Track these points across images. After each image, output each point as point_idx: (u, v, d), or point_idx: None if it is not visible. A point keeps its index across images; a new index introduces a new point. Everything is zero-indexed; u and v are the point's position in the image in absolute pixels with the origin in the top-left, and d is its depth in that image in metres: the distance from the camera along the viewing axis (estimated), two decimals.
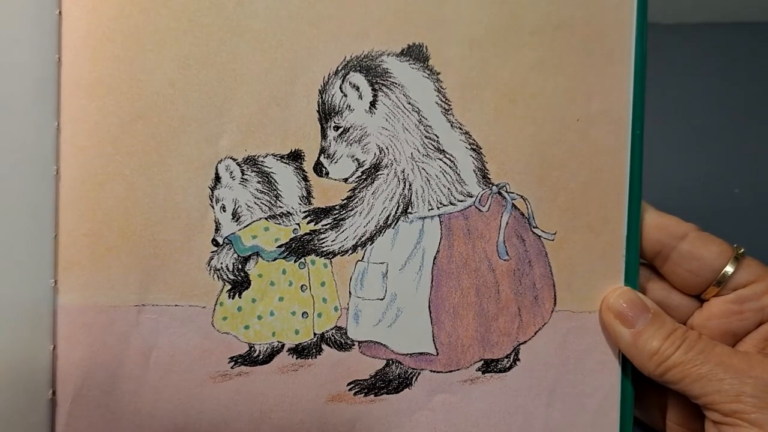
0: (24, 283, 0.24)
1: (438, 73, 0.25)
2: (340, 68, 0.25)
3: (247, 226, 0.26)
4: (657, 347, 0.24)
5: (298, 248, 0.26)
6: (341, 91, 0.25)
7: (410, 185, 0.26)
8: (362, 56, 0.25)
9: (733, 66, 0.44)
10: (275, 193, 0.26)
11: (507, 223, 0.26)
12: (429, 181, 0.26)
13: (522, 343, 0.26)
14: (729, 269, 0.25)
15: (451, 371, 0.26)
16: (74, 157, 0.25)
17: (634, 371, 0.26)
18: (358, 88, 0.25)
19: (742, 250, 0.26)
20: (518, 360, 0.26)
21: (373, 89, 0.25)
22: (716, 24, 0.44)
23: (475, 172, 0.26)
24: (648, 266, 0.27)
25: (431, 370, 0.26)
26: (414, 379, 0.26)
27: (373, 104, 0.25)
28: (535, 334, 0.26)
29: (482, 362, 0.26)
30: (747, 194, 0.41)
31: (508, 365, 0.26)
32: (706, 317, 0.26)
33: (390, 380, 0.26)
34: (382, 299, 0.26)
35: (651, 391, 0.27)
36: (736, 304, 0.25)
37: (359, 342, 0.26)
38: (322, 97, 0.25)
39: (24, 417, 0.25)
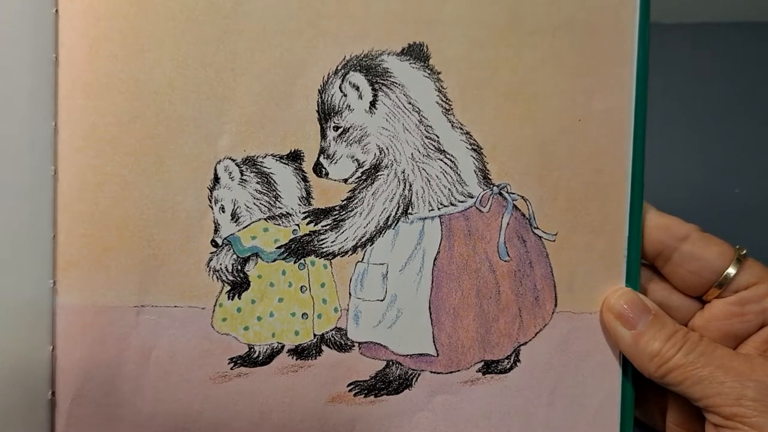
0: (23, 284, 0.24)
1: (438, 73, 0.25)
2: (339, 68, 0.25)
3: (247, 226, 0.25)
4: (658, 349, 0.23)
5: (298, 249, 0.25)
6: (341, 91, 0.25)
7: (410, 186, 0.25)
8: (362, 56, 0.25)
9: (733, 66, 0.43)
10: (274, 193, 0.25)
11: (508, 224, 0.26)
12: (429, 181, 0.25)
13: (522, 344, 0.26)
14: (731, 271, 0.25)
15: (451, 372, 0.26)
16: (72, 158, 0.24)
17: (635, 372, 0.26)
18: (357, 88, 0.25)
19: (744, 252, 0.25)
20: (519, 361, 0.26)
21: (373, 89, 0.25)
22: (716, 24, 0.44)
23: (475, 172, 0.25)
24: (649, 267, 0.27)
25: (431, 371, 0.26)
26: (414, 380, 0.26)
27: (373, 104, 0.25)
28: (536, 335, 0.26)
29: (483, 363, 0.26)
30: (747, 194, 0.41)
31: (508, 366, 0.26)
32: (707, 319, 0.25)
33: (390, 381, 0.26)
34: (382, 300, 0.25)
35: (651, 392, 0.27)
36: (738, 306, 0.25)
37: (359, 343, 0.26)
38: (321, 97, 0.25)
39: (23, 417, 0.24)
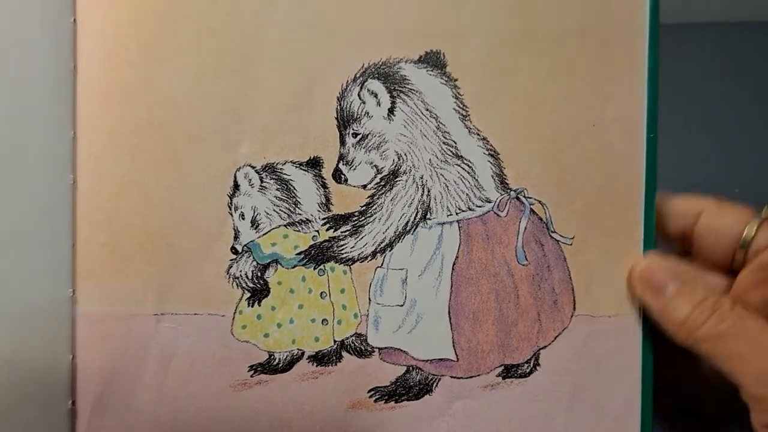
0: (42, 293, 0.24)
1: (455, 80, 0.25)
2: (358, 75, 0.24)
3: (266, 233, 0.25)
4: (686, 314, 0.22)
5: (318, 255, 0.25)
6: (359, 98, 0.25)
7: (429, 191, 0.25)
8: (380, 63, 0.25)
9: (733, 66, 0.43)
10: (294, 200, 0.25)
11: (525, 228, 0.25)
12: (447, 186, 0.25)
13: (542, 348, 0.26)
14: (747, 233, 0.23)
15: (471, 377, 0.25)
16: (91, 166, 0.24)
17: (655, 375, 0.25)
18: (376, 95, 0.25)
19: (766, 215, 0.23)
20: (538, 365, 0.26)
21: (392, 96, 0.25)
22: (716, 24, 0.44)
23: (493, 177, 0.25)
24: (680, 252, 0.25)
25: (451, 376, 0.25)
26: (434, 385, 0.26)
27: (391, 111, 0.25)
28: (555, 338, 0.26)
29: (502, 368, 0.26)
30: (747, 194, 0.41)
31: (528, 370, 0.26)
32: (737, 292, 0.23)
33: (410, 386, 0.25)
34: (401, 305, 0.25)
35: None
36: (761, 271, 0.23)
37: (379, 349, 0.25)
38: (340, 104, 0.24)
39: (44, 427, 0.24)
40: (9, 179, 0.23)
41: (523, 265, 0.25)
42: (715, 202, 0.24)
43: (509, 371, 0.26)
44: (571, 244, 0.26)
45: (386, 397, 0.25)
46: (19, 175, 0.24)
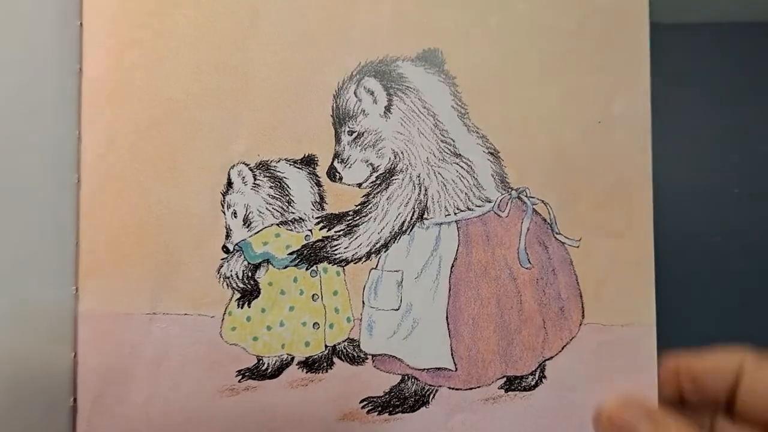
0: (47, 291, 0.22)
1: (454, 77, 0.23)
2: (354, 73, 0.23)
3: (258, 232, 0.23)
4: None
5: (310, 255, 0.23)
6: (356, 96, 0.23)
7: (426, 190, 0.23)
8: (377, 61, 0.23)
9: (733, 66, 0.41)
10: (287, 198, 0.23)
11: (528, 229, 0.23)
12: (445, 186, 0.23)
13: (548, 359, 0.23)
14: None
15: (471, 389, 0.22)
16: (94, 165, 0.23)
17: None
18: (372, 93, 0.23)
19: None
20: (544, 377, 0.22)
21: (388, 94, 0.23)
22: (716, 24, 0.42)
23: (493, 176, 0.23)
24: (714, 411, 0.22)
25: (450, 387, 0.23)
26: (431, 397, 0.23)
27: (387, 109, 0.23)
28: (562, 349, 0.22)
29: (505, 379, 0.23)
30: (747, 194, 0.37)
31: (533, 383, 0.22)
32: None
33: (405, 397, 0.23)
34: (396, 309, 0.23)
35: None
36: None
37: (373, 355, 0.23)
38: (336, 102, 0.23)
39: (46, 425, 0.22)
40: (15, 179, 0.23)
41: (526, 268, 0.23)
42: (754, 359, 0.21)
43: (512, 383, 0.22)
44: (577, 247, 0.23)
45: (380, 408, 0.22)
46: (25, 175, 0.23)
